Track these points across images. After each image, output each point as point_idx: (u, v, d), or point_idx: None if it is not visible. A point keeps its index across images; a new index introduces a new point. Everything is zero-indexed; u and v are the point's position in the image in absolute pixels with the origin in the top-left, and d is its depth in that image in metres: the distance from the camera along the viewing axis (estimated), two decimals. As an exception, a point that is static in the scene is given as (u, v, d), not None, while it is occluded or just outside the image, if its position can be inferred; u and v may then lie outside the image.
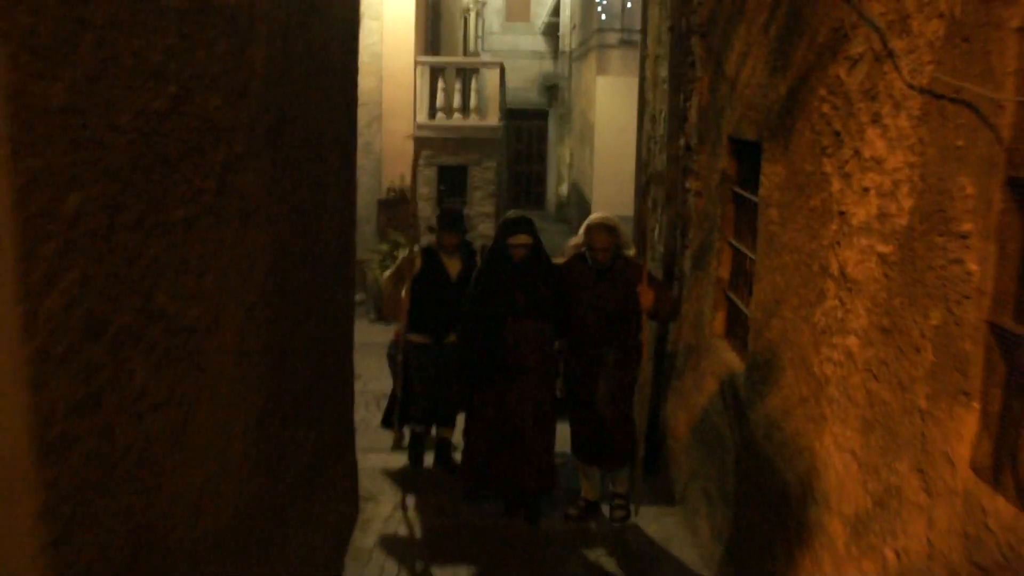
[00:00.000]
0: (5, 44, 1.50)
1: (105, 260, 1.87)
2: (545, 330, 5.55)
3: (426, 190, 15.43)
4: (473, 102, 15.79)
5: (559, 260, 5.84)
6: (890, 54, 2.68)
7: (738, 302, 4.95)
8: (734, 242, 5.09)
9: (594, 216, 5.74)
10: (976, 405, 2.23)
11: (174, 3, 2.17)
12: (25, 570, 1.67)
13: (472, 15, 23.08)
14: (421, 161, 15.02)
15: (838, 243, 3.10)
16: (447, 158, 15.80)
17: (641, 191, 8.33)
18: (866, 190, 2.87)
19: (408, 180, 13.66)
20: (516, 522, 5.64)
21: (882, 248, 2.73)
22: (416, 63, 15.38)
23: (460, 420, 6.31)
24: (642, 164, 8.99)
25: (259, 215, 2.99)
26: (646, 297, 5.22)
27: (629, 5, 15.00)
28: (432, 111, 15.51)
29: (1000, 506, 2.10)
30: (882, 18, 2.78)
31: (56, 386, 1.70)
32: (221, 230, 2.59)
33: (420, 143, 15.25)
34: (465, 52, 22.10)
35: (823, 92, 3.32)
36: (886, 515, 2.68)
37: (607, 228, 5.46)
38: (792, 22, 3.73)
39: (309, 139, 3.78)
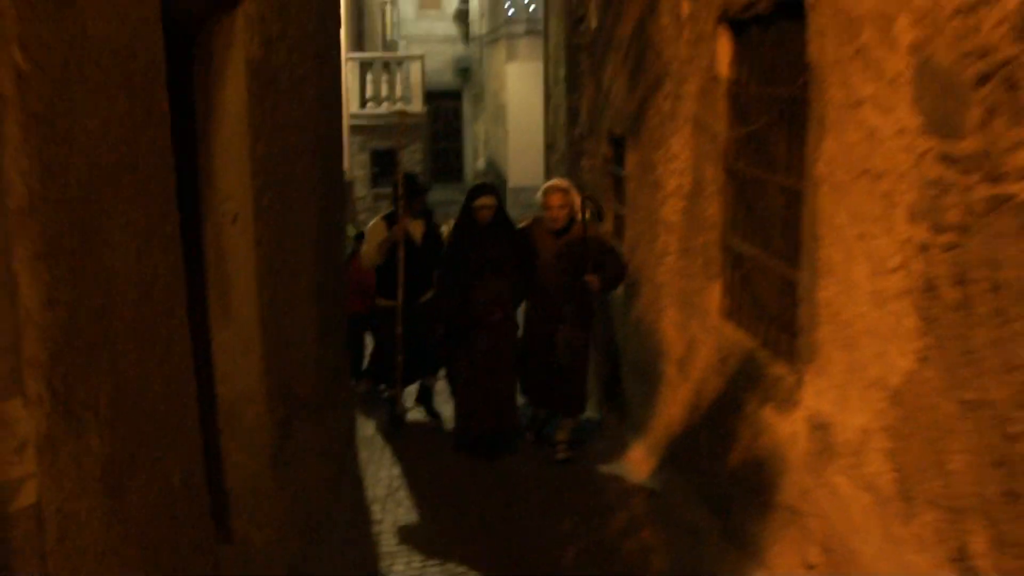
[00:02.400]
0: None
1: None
2: (508, 287, 5.85)
3: (361, 173, 17.31)
4: (399, 91, 17.68)
5: (522, 223, 6.18)
6: (678, 96, 4.81)
7: (618, 246, 7.10)
8: (613, 204, 7.22)
9: (549, 181, 6.29)
10: (719, 282, 4.38)
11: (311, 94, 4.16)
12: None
13: (388, 6, 24.80)
14: (355, 147, 16.88)
15: (661, 203, 5.25)
16: (378, 143, 17.70)
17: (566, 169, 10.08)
18: (671, 171, 5.01)
19: (347, 165, 15.48)
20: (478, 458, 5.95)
21: (680, 204, 4.88)
22: (347, 59, 17.20)
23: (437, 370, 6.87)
24: (548, 144, 11.09)
25: (313, 188, 5.00)
26: (593, 283, 5.66)
27: (531, 3, 16.96)
28: (363, 101, 17.36)
29: (729, 328, 4.26)
30: (673, 79, 4.91)
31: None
32: (308, 200, 4.60)
33: (354, 131, 17.10)
34: (384, 41, 23.85)
35: (652, 111, 5.44)
36: (690, 352, 4.84)
37: (560, 189, 5.87)
38: (638, 63, 5.84)
39: (328, 145, 5.76)
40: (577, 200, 5.85)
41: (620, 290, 6.29)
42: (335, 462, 5.73)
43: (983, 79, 2.10)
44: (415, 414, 7.11)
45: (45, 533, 1.56)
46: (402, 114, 7.77)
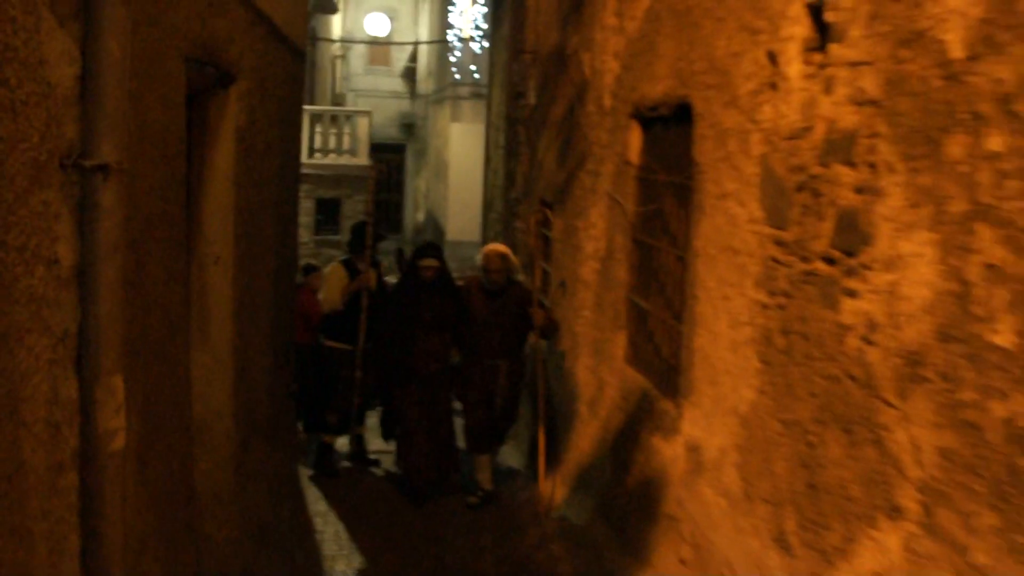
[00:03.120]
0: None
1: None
2: (447, 342, 6.27)
3: (306, 219, 17.92)
4: (346, 144, 18.42)
5: (460, 282, 6.61)
6: (597, 174, 5.65)
7: (544, 301, 7.88)
8: (542, 263, 8.01)
9: (489, 245, 6.75)
10: (624, 333, 5.17)
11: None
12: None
13: (339, 60, 25.61)
14: (301, 194, 17.48)
15: (580, 263, 6.05)
16: (323, 192, 18.37)
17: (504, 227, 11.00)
18: (590, 237, 5.82)
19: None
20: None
21: (595, 265, 5.68)
22: (297, 110, 17.91)
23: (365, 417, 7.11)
24: (487, 203, 11.90)
25: (274, 236, 5.69)
26: (537, 317, 6.09)
27: (476, 72, 17.90)
28: (311, 151, 18.05)
29: (630, 372, 5.04)
30: (594, 158, 5.75)
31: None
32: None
33: (302, 179, 17.72)
34: (333, 93, 24.62)
35: (577, 184, 6.27)
36: (599, 393, 5.60)
37: (500, 255, 6.26)
38: (567, 142, 6.68)
39: (287, 198, 6.47)
40: (515, 264, 6.36)
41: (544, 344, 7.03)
42: (282, 479, 6.33)
43: (800, 187, 2.93)
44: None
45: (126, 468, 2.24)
46: (374, 167, 8.22)
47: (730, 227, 3.50)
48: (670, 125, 4.46)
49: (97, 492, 2.17)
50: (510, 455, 7.28)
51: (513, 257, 6.46)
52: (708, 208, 3.74)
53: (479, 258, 6.46)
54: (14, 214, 1.85)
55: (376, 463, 7.15)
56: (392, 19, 27.42)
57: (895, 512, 2.36)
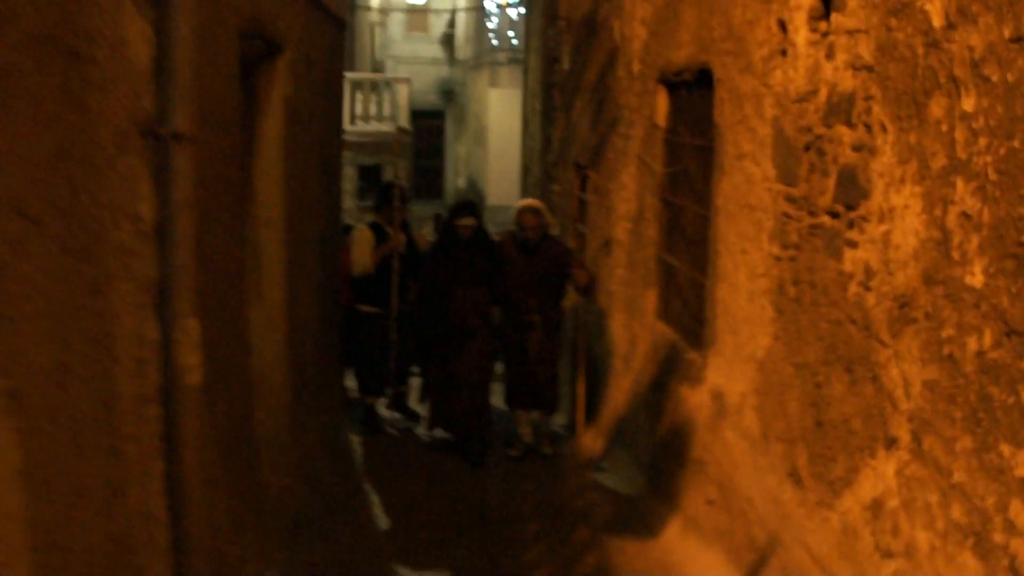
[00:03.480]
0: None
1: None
2: (485, 297, 6.30)
3: (348, 186, 18.26)
4: (387, 110, 18.70)
5: (496, 238, 6.65)
6: (628, 137, 5.87)
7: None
8: (578, 225, 8.25)
9: (523, 200, 6.85)
10: (654, 289, 5.41)
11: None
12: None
13: (377, 27, 25.82)
14: (343, 161, 17.83)
15: (613, 223, 6.29)
16: (365, 159, 18.69)
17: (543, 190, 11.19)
18: (622, 199, 6.05)
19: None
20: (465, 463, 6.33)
21: (627, 225, 5.92)
22: (338, 78, 18.22)
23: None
24: (525, 168, 12.11)
25: (319, 199, 6.00)
26: (581, 277, 6.18)
27: (513, 38, 18.04)
28: (352, 118, 18.35)
29: (660, 326, 5.28)
30: (625, 122, 5.96)
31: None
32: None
33: (342, 145, 18.07)
34: (372, 60, 24.85)
35: (609, 147, 6.49)
36: (632, 348, 5.86)
37: (533, 210, 6.34)
38: (599, 106, 6.89)
39: (331, 163, 6.77)
40: (550, 219, 6.37)
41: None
42: (331, 431, 6.69)
43: (807, 147, 3.15)
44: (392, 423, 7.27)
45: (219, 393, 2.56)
46: (401, 131, 7.90)
47: (747, 185, 3.72)
48: (693, 89, 4.66)
49: (177, 422, 2.48)
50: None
51: (547, 212, 6.51)
52: (727, 168, 3.96)
53: (514, 213, 6.51)
54: (105, 177, 2.15)
55: (417, 418, 7.25)
56: (430, -14, 27.54)
57: (890, 442, 2.60)
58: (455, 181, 28.51)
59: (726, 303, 4.02)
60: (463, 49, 26.61)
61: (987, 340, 2.14)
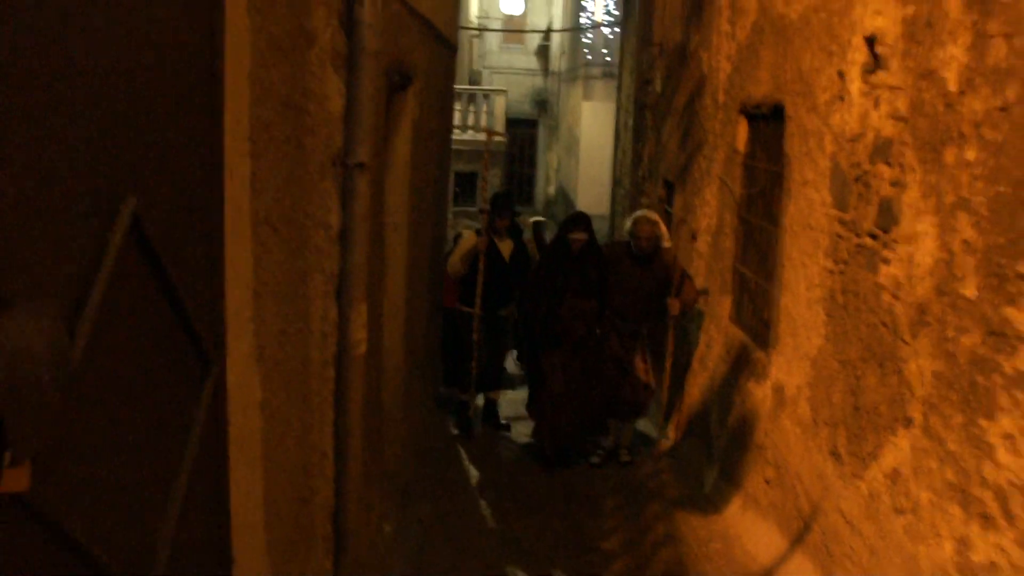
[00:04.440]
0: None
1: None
2: (593, 308, 6.37)
3: (445, 191, 19.17)
4: (484, 120, 19.56)
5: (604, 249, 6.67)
6: (711, 159, 6.51)
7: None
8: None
9: (640, 211, 6.82)
10: (729, 296, 6.05)
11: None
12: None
13: (475, 40, 26.77)
14: (441, 168, 18.73)
15: (694, 237, 6.93)
16: (462, 166, 19.54)
17: (632, 200, 11.90)
18: (704, 214, 6.70)
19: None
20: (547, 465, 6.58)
21: (708, 239, 6.56)
22: (438, 89, 19.17)
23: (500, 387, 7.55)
24: (616, 180, 12.76)
25: (432, 207, 6.79)
26: (674, 308, 6.31)
27: (607, 55, 18.69)
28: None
29: (733, 329, 5.92)
30: (709, 145, 6.61)
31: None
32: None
33: (441, 154, 19.02)
34: (470, 70, 25.79)
35: (695, 167, 7.14)
36: (708, 349, 6.49)
37: (650, 221, 6.37)
38: (687, 129, 7.55)
39: (441, 175, 7.56)
40: (664, 231, 6.38)
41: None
42: (433, 413, 7.48)
43: (856, 179, 3.78)
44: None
45: (368, 367, 3.34)
46: (490, 133, 7.80)
47: (808, 209, 4.36)
48: (769, 122, 5.30)
49: (345, 383, 3.26)
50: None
51: (663, 225, 6.53)
52: (794, 193, 4.60)
53: (628, 224, 6.51)
54: (310, 196, 2.93)
55: (507, 428, 7.47)
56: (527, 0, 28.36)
57: (907, 422, 3.23)
58: (546, 189, 29.28)
59: (788, 309, 4.66)
60: (558, 61, 27.37)
61: (976, 339, 2.77)
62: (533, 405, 6.80)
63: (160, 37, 1.72)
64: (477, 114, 19.71)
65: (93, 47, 1.44)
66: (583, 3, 20.07)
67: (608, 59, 18.73)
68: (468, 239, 7.09)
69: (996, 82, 2.71)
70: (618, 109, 12.85)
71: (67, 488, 1.40)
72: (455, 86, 20.10)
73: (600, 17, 18.34)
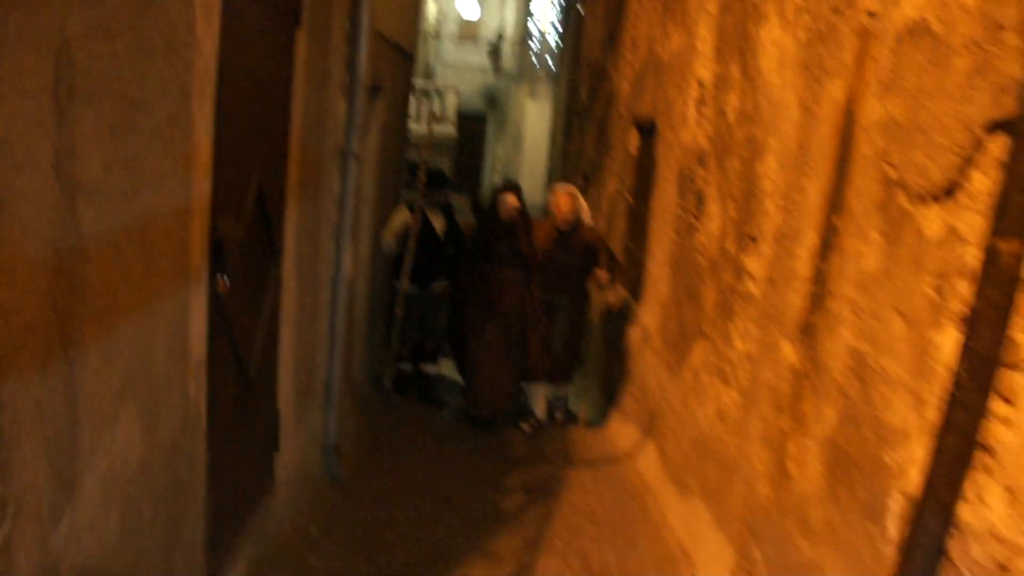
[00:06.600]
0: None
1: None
2: (522, 277, 6.59)
3: (398, 178, 20.76)
4: (437, 112, 21.19)
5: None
6: (615, 159, 8.30)
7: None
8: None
9: (558, 185, 7.25)
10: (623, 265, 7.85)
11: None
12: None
13: (431, 38, 28.34)
14: (395, 156, 20.34)
15: (599, 220, 8.72)
16: (411, 156, 21.16)
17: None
18: (606, 199, 8.49)
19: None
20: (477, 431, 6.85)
21: (609, 221, 8.35)
22: (395, 83, 20.77)
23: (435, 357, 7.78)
24: (551, 170, 14.50)
25: (387, 195, 8.50)
26: (603, 278, 6.66)
27: (550, 61, 20.46)
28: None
29: (623, 291, 7.72)
30: (615, 148, 8.40)
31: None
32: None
33: (396, 143, 20.63)
34: (425, 66, 27.36)
35: (603, 164, 8.90)
36: (611, 313, 8.26)
37: (569, 194, 6.65)
38: (601, 133, 9.31)
39: (397, 163, 9.24)
40: (583, 205, 6.63)
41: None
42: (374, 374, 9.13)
43: (689, 178, 5.57)
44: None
45: (349, 289, 5.09)
46: (428, 135, 7.88)
47: (664, 197, 6.15)
48: (650, 133, 7.08)
49: (337, 295, 4.96)
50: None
51: (582, 199, 6.73)
52: (658, 186, 6.39)
53: (549, 195, 6.71)
54: (325, 174, 4.63)
55: (443, 405, 7.61)
56: (481, 4, 30.00)
57: (701, 334, 5.02)
58: (492, 178, 30.91)
59: (650, 270, 6.45)
60: (508, 60, 29.06)
61: (731, 276, 4.56)
62: (462, 370, 7.05)
63: (272, 77, 3.43)
64: (430, 107, 21.37)
65: (253, 78, 3.16)
66: (531, 10, 21.80)
67: (551, 66, 20.51)
68: (399, 215, 7.27)
69: (745, 121, 4.50)
70: (555, 110, 14.60)
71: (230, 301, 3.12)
72: (413, 80, 21.76)
73: (546, 27, 20.10)
